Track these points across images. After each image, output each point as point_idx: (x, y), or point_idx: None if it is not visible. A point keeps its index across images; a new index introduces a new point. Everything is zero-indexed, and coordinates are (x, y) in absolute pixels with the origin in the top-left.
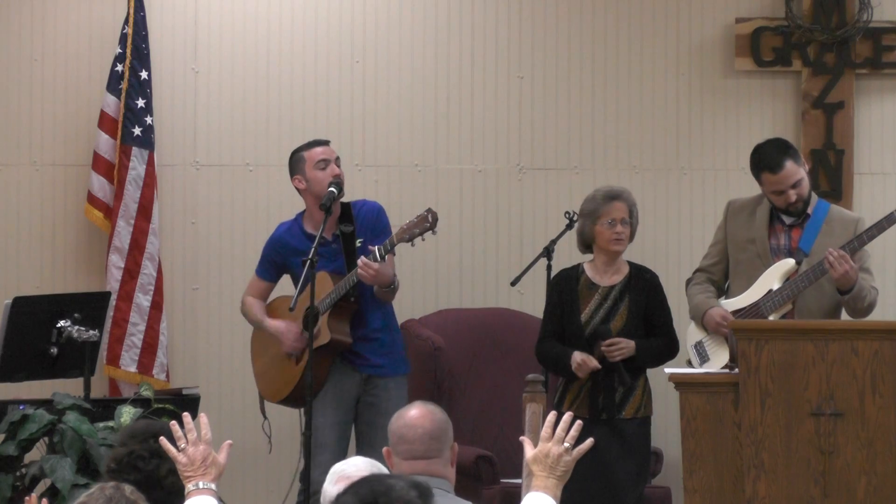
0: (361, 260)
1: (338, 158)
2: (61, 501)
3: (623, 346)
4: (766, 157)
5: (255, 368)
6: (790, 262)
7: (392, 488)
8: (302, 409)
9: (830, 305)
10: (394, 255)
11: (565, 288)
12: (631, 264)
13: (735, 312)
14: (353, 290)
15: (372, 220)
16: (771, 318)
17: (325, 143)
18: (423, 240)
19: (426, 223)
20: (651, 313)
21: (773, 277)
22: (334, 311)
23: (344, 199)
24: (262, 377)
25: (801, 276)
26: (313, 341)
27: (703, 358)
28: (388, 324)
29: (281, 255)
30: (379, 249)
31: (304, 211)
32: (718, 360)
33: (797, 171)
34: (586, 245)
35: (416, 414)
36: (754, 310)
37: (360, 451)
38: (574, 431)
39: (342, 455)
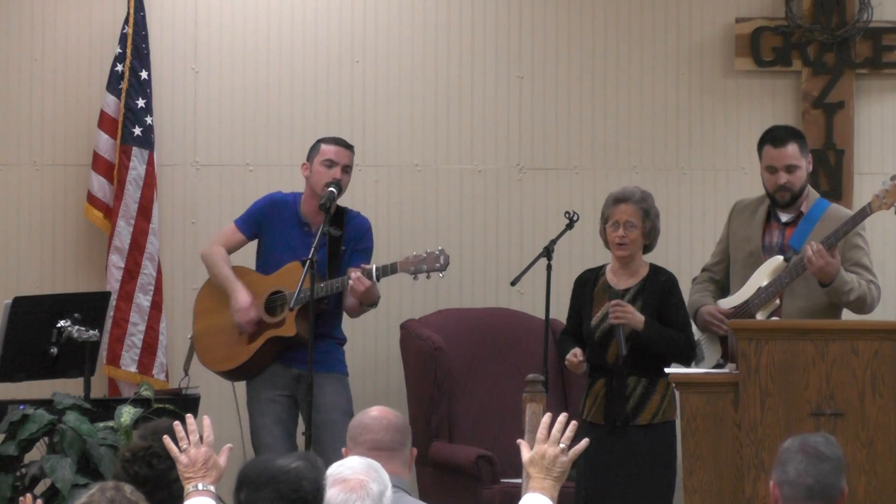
0: (357, 274)
1: (347, 167)
2: (61, 501)
3: (628, 311)
4: (774, 132)
5: (197, 324)
6: (778, 259)
7: (303, 477)
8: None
9: (823, 302)
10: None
11: (581, 291)
12: (651, 266)
13: (726, 311)
14: (331, 294)
15: (359, 235)
16: (758, 315)
17: (347, 147)
18: (428, 277)
19: (437, 263)
20: (664, 315)
21: (762, 275)
22: (304, 309)
23: (342, 203)
24: (206, 338)
25: (784, 273)
26: (276, 328)
27: (699, 357)
28: (339, 330)
29: (269, 219)
30: (377, 270)
31: (303, 195)
32: (711, 358)
33: (798, 158)
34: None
35: (379, 411)
36: (744, 308)
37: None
38: (570, 432)
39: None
